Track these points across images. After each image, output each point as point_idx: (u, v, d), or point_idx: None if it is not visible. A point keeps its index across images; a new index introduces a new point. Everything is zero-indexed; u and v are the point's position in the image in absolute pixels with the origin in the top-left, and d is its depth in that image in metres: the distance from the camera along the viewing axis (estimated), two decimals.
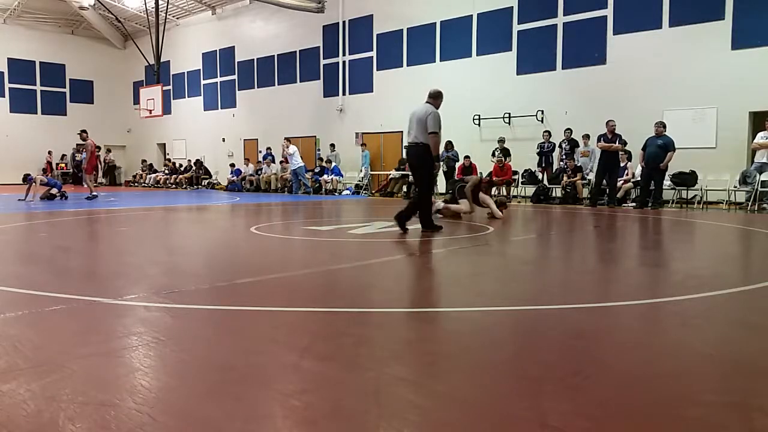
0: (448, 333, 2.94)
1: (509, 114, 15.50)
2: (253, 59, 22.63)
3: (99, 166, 26.04)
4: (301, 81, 21.03)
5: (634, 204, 12.13)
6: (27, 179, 13.61)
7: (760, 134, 11.18)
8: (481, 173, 13.11)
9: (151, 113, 21.04)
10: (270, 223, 8.74)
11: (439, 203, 9.42)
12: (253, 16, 22.58)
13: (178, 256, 5.65)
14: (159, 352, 2.45)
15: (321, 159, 19.15)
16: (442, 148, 15.73)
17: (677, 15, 12.93)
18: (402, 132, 18.23)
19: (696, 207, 12.15)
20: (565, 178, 13.65)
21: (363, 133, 18.95)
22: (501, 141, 15.04)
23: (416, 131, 6.92)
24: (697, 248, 6.82)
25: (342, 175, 18.77)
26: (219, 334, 2.78)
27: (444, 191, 14.35)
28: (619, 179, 12.57)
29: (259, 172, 20.30)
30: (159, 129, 26.69)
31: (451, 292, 4.06)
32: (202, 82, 24.98)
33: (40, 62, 26.82)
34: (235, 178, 20.85)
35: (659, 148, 11.53)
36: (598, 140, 12.45)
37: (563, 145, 14.20)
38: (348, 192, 18.20)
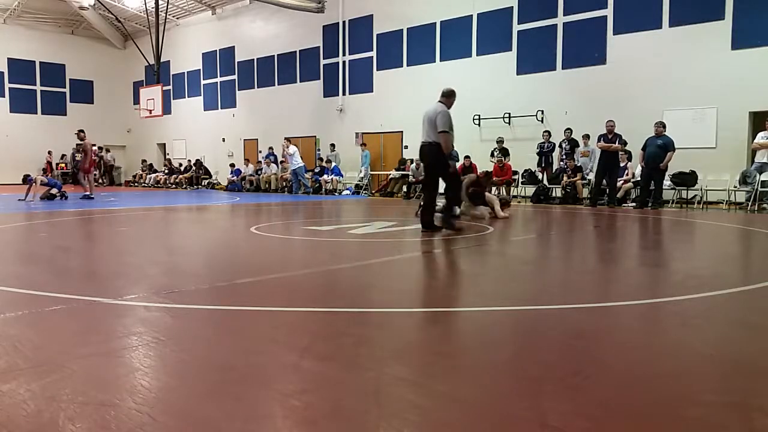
0: (448, 333, 2.94)
1: (509, 114, 15.50)
2: (253, 59, 22.63)
3: (97, 165, 26.11)
4: (301, 81, 21.03)
5: (634, 204, 12.13)
6: (27, 180, 13.61)
7: (760, 134, 11.18)
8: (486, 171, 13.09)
9: (151, 113, 21.04)
10: (270, 223, 8.74)
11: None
12: (253, 16, 22.58)
13: (178, 256, 5.65)
14: (159, 352, 2.45)
15: (321, 159, 19.16)
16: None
17: (677, 15, 12.93)
18: (402, 132, 18.27)
19: (696, 207, 12.15)
20: (565, 178, 13.65)
21: (363, 133, 18.95)
22: (500, 141, 15.04)
23: (428, 130, 6.92)
24: (697, 248, 6.82)
25: (342, 175, 18.77)
26: (219, 334, 2.78)
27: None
28: (619, 179, 12.57)
29: (259, 172, 20.30)
30: (159, 129, 26.69)
31: (451, 292, 4.06)
32: (202, 82, 24.98)
33: (40, 62, 26.82)
34: (235, 178, 20.85)
35: (659, 148, 11.53)
36: (598, 140, 12.45)
37: (563, 145, 14.19)
38: (348, 192, 18.20)
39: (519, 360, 2.44)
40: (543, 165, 14.67)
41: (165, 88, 23.16)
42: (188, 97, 25.72)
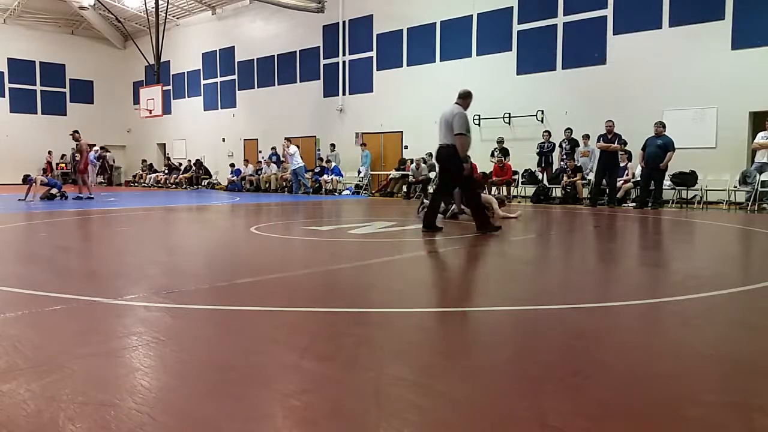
0: (448, 333, 2.94)
1: (509, 114, 15.49)
2: (253, 59, 22.63)
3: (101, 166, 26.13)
4: (301, 81, 21.03)
5: (634, 204, 12.13)
6: (27, 180, 13.62)
7: (760, 134, 11.18)
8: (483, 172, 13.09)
9: (151, 113, 21.04)
10: (270, 223, 8.74)
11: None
12: (253, 16, 22.58)
13: (178, 256, 5.65)
14: (159, 352, 2.45)
15: (321, 159, 19.16)
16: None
17: (677, 15, 12.93)
18: (402, 132, 18.27)
19: (696, 207, 12.15)
20: (565, 178, 13.65)
21: (363, 133, 18.95)
22: (500, 141, 15.04)
23: (444, 132, 6.87)
24: (697, 248, 6.82)
25: (342, 175, 18.77)
26: (219, 334, 2.78)
27: None
28: (619, 179, 12.57)
29: (259, 173, 20.31)
30: (159, 129, 26.69)
31: (451, 292, 4.06)
32: (202, 82, 24.99)
33: (40, 62, 26.82)
34: (235, 178, 20.86)
35: (659, 148, 11.53)
36: (598, 140, 12.45)
37: (563, 145, 14.20)
38: (348, 192, 18.20)
39: (519, 360, 2.44)
40: (543, 165, 14.67)
41: (165, 88, 23.17)
42: (188, 97, 25.72)
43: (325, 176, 18.42)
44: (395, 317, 3.18)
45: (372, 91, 18.93)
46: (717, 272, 4.71)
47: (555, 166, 14.51)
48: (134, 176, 26.71)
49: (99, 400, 1.90)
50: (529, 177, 14.80)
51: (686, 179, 12.27)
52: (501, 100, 15.53)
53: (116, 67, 28.44)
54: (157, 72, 20.63)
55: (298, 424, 1.78)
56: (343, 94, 19.77)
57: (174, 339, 2.65)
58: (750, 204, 11.21)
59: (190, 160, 24.10)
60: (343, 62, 19.64)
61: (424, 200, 9.83)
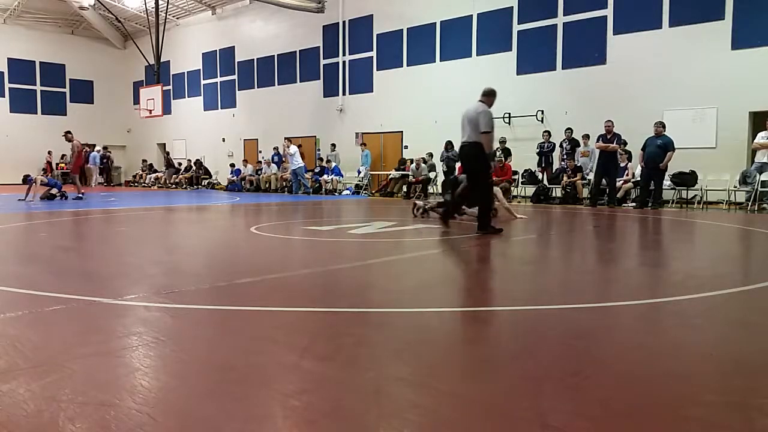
0: (447, 333, 2.93)
1: (509, 114, 15.49)
2: (253, 59, 22.63)
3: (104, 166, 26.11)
4: (301, 81, 21.04)
5: (634, 204, 12.13)
6: (27, 180, 13.62)
7: (761, 134, 11.18)
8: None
9: (151, 113, 21.04)
10: (270, 223, 8.74)
11: (419, 203, 9.60)
12: (253, 16, 22.58)
13: (178, 256, 5.64)
14: (159, 352, 2.45)
15: (321, 159, 19.16)
16: (442, 149, 15.82)
17: (677, 15, 12.93)
18: (402, 132, 18.27)
19: (696, 207, 12.15)
20: (565, 178, 13.65)
21: (363, 133, 18.95)
22: (502, 141, 15.03)
23: (469, 130, 6.83)
24: (696, 248, 6.82)
25: (342, 175, 18.77)
26: (219, 334, 2.78)
27: (441, 191, 14.31)
28: (619, 179, 12.57)
29: (259, 172, 20.32)
30: (159, 129, 26.69)
31: (451, 292, 4.06)
32: (202, 82, 24.99)
33: (40, 62, 26.82)
34: (235, 178, 20.87)
35: (659, 148, 11.54)
36: (597, 140, 12.45)
37: (564, 145, 14.20)
38: (348, 192, 18.20)
39: (519, 360, 2.44)
40: (543, 165, 14.68)
41: (165, 88, 23.16)
42: (188, 97, 25.72)
43: (325, 176, 18.42)
44: (395, 317, 3.18)
45: (372, 91, 18.93)
46: (717, 272, 4.71)
47: (555, 166, 14.51)
48: (134, 176, 26.71)
49: (99, 400, 1.90)
50: (529, 177, 14.80)
51: (686, 179, 12.27)
52: (501, 100, 15.21)
53: (116, 67, 28.43)
54: (157, 72, 20.63)
55: (298, 424, 1.78)
56: (343, 94, 19.77)
57: (174, 339, 2.65)
58: (750, 204, 11.21)
59: (190, 160, 24.10)
60: (343, 62, 19.65)
61: (416, 202, 9.86)
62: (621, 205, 12.29)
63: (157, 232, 7.95)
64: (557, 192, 13.97)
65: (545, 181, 14.47)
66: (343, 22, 19.48)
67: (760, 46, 11.94)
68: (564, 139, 14.19)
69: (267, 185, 19.65)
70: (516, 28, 15.51)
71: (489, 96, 6.98)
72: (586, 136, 13.76)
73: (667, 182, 12.21)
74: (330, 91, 20.13)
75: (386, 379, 2.16)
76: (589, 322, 3.05)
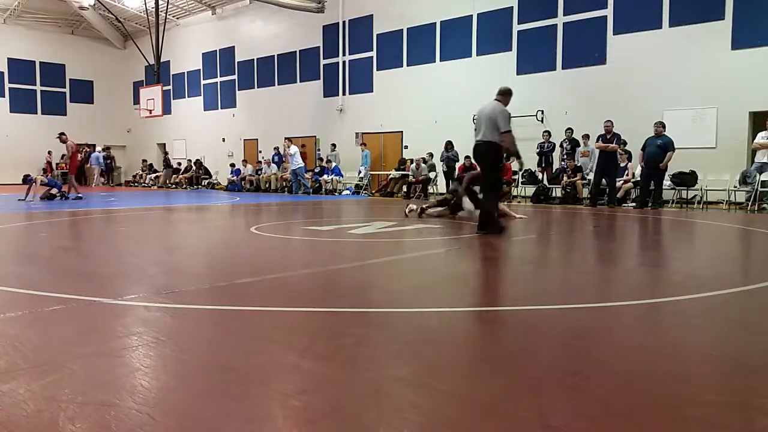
0: (447, 333, 2.93)
1: (509, 114, 15.45)
2: (253, 59, 22.62)
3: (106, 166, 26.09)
4: (301, 81, 21.03)
5: (634, 204, 12.13)
6: (27, 180, 13.63)
7: (761, 134, 11.18)
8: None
9: (151, 113, 21.04)
10: (270, 223, 8.74)
11: (411, 206, 9.64)
12: (253, 16, 22.58)
13: (178, 256, 5.64)
14: (159, 352, 2.45)
15: (321, 159, 19.16)
16: (442, 149, 15.82)
17: (677, 15, 12.92)
18: (402, 132, 18.26)
19: (696, 207, 12.15)
20: (565, 178, 13.65)
21: (363, 133, 18.95)
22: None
23: (486, 129, 6.81)
24: (696, 248, 6.82)
25: (342, 175, 18.77)
26: (219, 334, 2.78)
27: (445, 191, 14.30)
28: (619, 179, 12.57)
29: (259, 173, 20.32)
30: (159, 129, 26.68)
31: (451, 291, 4.06)
32: (202, 82, 24.98)
33: (40, 62, 26.81)
34: (235, 178, 20.86)
35: (659, 148, 11.53)
36: (597, 140, 12.45)
37: (564, 145, 14.19)
38: (348, 192, 18.20)
39: (519, 360, 2.44)
40: (543, 165, 14.67)
41: (165, 88, 23.15)
42: (188, 97, 25.72)
43: (325, 176, 18.42)
44: (395, 317, 3.18)
45: (372, 91, 18.93)
46: (717, 272, 4.70)
47: (555, 166, 14.51)
48: (134, 176, 26.71)
49: (99, 400, 1.90)
50: (529, 177, 14.79)
51: (686, 179, 12.27)
52: None
53: (116, 67, 28.42)
54: (157, 72, 20.62)
55: (298, 424, 1.78)
56: (343, 94, 19.76)
57: (174, 339, 2.65)
58: (750, 204, 11.21)
59: (190, 160, 24.10)
60: (343, 62, 19.64)
61: (411, 206, 9.88)
62: (621, 205, 12.29)
63: (157, 232, 7.95)
64: (557, 192, 13.97)
65: (545, 181, 14.46)
66: (343, 22, 19.47)
67: (760, 46, 11.93)
68: (564, 139, 14.18)
69: (267, 185, 19.65)
70: (516, 28, 15.50)
71: (505, 95, 7.00)
72: (586, 136, 13.75)
73: (667, 182, 12.21)
74: (330, 91, 20.13)
75: (386, 379, 2.16)
76: (589, 322, 3.05)
